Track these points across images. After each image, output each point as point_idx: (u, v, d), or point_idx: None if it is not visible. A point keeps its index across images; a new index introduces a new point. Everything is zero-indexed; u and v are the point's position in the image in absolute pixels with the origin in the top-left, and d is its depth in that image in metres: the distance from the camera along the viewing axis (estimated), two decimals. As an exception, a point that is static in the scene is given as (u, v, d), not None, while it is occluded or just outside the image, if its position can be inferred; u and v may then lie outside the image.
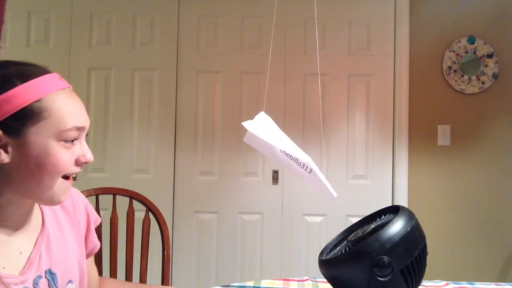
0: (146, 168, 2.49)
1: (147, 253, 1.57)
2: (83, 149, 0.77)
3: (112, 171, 2.49)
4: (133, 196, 1.59)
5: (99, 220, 0.98)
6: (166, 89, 2.50)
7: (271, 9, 2.50)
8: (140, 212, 1.71)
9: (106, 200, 1.70)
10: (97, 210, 1.56)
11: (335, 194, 1.05)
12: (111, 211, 1.56)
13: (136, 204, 1.60)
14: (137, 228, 1.61)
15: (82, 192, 1.53)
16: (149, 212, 1.58)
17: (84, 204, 0.94)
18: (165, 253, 1.53)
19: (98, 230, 1.52)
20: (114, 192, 1.58)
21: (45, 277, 0.77)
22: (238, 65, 2.50)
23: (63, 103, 0.74)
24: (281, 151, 1.04)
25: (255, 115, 1.11)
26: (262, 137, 1.04)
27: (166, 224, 1.57)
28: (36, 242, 0.78)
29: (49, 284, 0.78)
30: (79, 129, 0.75)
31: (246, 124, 1.05)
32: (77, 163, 0.76)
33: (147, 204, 1.58)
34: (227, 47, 2.51)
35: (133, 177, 2.49)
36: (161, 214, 1.57)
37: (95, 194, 1.55)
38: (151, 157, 2.49)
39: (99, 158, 2.49)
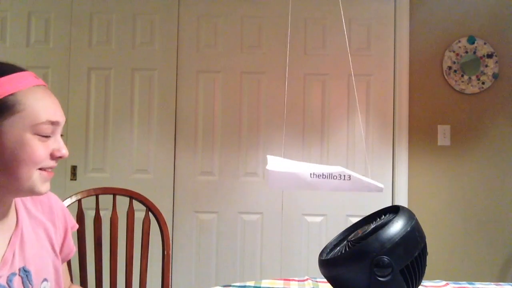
0: (146, 168, 2.49)
1: (147, 253, 1.57)
2: (58, 144, 0.79)
3: (112, 171, 2.49)
4: (133, 196, 1.59)
5: (77, 226, 1.02)
6: (166, 89, 2.50)
7: (271, 9, 2.50)
8: (140, 212, 1.71)
9: (106, 200, 1.70)
10: (97, 210, 1.56)
11: (381, 185, 1.02)
12: (111, 211, 1.56)
13: (136, 204, 1.60)
14: (137, 228, 1.61)
15: (82, 192, 1.53)
16: (149, 212, 1.58)
17: (62, 210, 0.97)
18: (165, 253, 1.53)
19: (99, 230, 1.53)
20: (114, 192, 1.58)
21: (19, 274, 0.79)
22: (238, 65, 2.50)
23: (37, 98, 0.77)
24: (311, 175, 1.02)
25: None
26: (286, 170, 1.02)
27: (166, 224, 1.57)
28: (10, 241, 0.80)
29: (23, 282, 0.79)
30: (54, 123, 0.78)
31: (269, 167, 1.03)
32: (52, 157, 0.78)
33: (147, 204, 1.58)
34: (227, 47, 2.51)
35: (133, 177, 2.49)
36: (161, 214, 1.57)
37: (95, 194, 1.55)
38: (151, 157, 2.49)
39: (99, 158, 2.49)
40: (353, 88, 2.49)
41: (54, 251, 0.91)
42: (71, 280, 1.10)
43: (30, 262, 0.82)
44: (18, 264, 0.80)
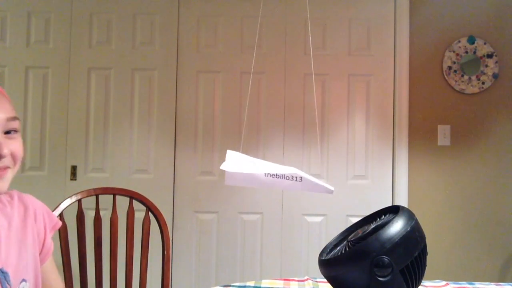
0: (146, 168, 2.49)
1: (147, 253, 1.57)
2: None
3: (112, 171, 2.49)
4: (133, 196, 1.59)
5: (60, 223, 1.00)
6: (166, 89, 2.50)
7: (271, 9, 2.50)
8: (140, 212, 1.71)
9: (106, 200, 1.70)
10: (97, 210, 1.56)
11: (332, 188, 1.07)
12: (111, 211, 1.56)
13: (136, 204, 1.60)
14: (137, 228, 1.61)
15: (82, 192, 1.53)
16: (149, 212, 1.58)
17: (40, 209, 0.96)
18: (165, 253, 1.53)
19: (98, 230, 1.53)
20: (114, 192, 1.58)
21: None
22: (238, 65, 2.50)
23: None
24: (265, 175, 1.06)
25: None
26: (241, 171, 1.06)
27: (166, 224, 1.57)
28: None
29: (1, 283, 0.79)
30: None
31: (223, 167, 1.07)
32: None
33: (147, 204, 1.58)
34: (227, 47, 2.51)
35: (133, 177, 2.49)
36: (161, 214, 1.57)
37: (95, 194, 1.55)
38: (151, 157, 2.49)
39: (99, 158, 2.49)
40: (353, 88, 2.49)
41: (33, 251, 0.90)
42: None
43: (8, 264, 0.82)
44: None
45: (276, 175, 1.06)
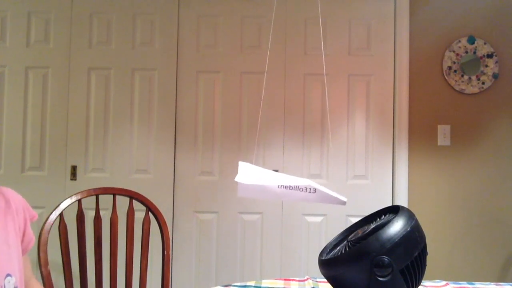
0: (146, 168, 2.49)
1: (147, 253, 1.57)
2: None
3: (112, 171, 2.49)
4: (133, 196, 1.59)
5: (36, 216, 1.00)
6: (166, 89, 2.50)
7: (271, 9, 2.50)
8: (140, 212, 1.71)
9: (106, 200, 1.70)
10: (97, 210, 1.56)
11: (345, 199, 1.07)
12: (111, 211, 1.56)
13: (136, 204, 1.60)
14: (137, 228, 1.61)
15: (82, 192, 1.53)
16: (149, 212, 1.58)
17: (20, 202, 0.96)
18: (165, 253, 1.53)
19: (98, 230, 1.53)
20: (114, 192, 1.58)
21: None
22: (238, 65, 2.50)
23: None
24: (279, 186, 1.05)
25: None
26: (255, 183, 1.05)
27: (166, 224, 1.57)
28: None
29: None
30: None
31: (237, 179, 1.07)
32: None
33: (147, 204, 1.58)
34: (227, 47, 2.51)
35: (133, 177, 2.49)
36: (161, 214, 1.57)
37: (95, 194, 1.55)
38: (151, 157, 2.49)
39: (99, 158, 2.49)
40: (353, 88, 2.49)
41: (16, 245, 0.90)
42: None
43: None
44: None
45: (290, 186, 1.05)
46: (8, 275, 0.85)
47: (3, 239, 0.87)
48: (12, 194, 0.95)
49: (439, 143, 2.46)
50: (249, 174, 1.07)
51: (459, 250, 2.44)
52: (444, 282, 1.33)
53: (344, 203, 1.06)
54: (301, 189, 1.05)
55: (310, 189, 1.05)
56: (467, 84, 2.44)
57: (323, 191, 1.05)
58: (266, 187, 1.05)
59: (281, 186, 1.05)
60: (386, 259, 0.87)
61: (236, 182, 1.08)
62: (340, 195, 1.06)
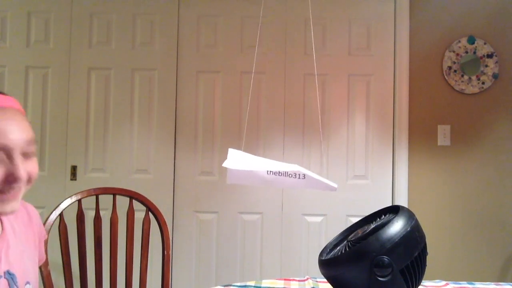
0: (146, 168, 2.49)
1: (147, 253, 1.57)
2: (13, 168, 0.75)
3: (112, 171, 2.49)
4: (133, 196, 1.59)
5: (46, 236, 1.06)
6: (166, 89, 2.50)
7: (271, 9, 2.50)
8: (140, 212, 1.71)
9: (106, 200, 1.70)
10: (97, 210, 1.56)
11: (335, 185, 1.06)
12: (111, 211, 1.56)
13: (136, 204, 1.60)
14: (137, 228, 1.61)
15: (82, 192, 1.53)
16: (149, 212, 1.58)
17: (37, 219, 1.00)
18: (165, 253, 1.53)
19: (98, 230, 1.53)
20: (114, 192, 1.58)
21: (5, 277, 0.81)
22: (238, 65, 2.50)
23: None
24: (267, 172, 1.05)
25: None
26: (243, 168, 1.05)
27: (166, 224, 1.57)
28: None
29: (9, 284, 0.82)
30: (2, 147, 0.74)
31: (225, 165, 1.06)
32: (7, 181, 0.75)
33: (147, 204, 1.58)
34: (227, 47, 2.51)
35: (133, 177, 2.49)
36: (161, 214, 1.57)
37: (95, 194, 1.55)
38: (151, 157, 2.49)
39: (99, 158, 2.49)
40: (353, 88, 2.49)
41: (34, 257, 0.95)
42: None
43: (14, 266, 0.85)
44: (3, 268, 0.82)
45: (279, 172, 1.05)
46: (28, 282, 0.89)
47: (26, 250, 0.91)
48: (33, 210, 1.00)
49: (439, 143, 2.46)
50: (238, 160, 1.07)
51: (459, 250, 2.44)
52: (444, 282, 1.33)
53: (334, 189, 1.06)
54: (290, 175, 1.05)
55: (299, 175, 1.04)
56: (467, 84, 2.44)
57: (312, 177, 1.05)
58: (255, 173, 1.05)
59: (270, 172, 1.05)
60: (386, 259, 0.87)
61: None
62: (330, 181, 1.06)
